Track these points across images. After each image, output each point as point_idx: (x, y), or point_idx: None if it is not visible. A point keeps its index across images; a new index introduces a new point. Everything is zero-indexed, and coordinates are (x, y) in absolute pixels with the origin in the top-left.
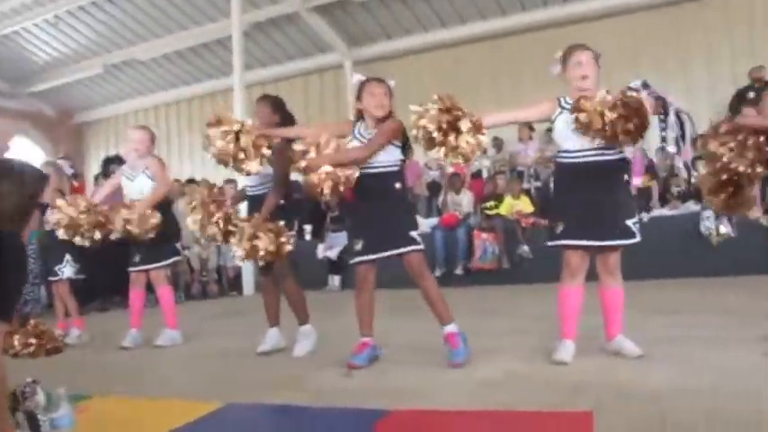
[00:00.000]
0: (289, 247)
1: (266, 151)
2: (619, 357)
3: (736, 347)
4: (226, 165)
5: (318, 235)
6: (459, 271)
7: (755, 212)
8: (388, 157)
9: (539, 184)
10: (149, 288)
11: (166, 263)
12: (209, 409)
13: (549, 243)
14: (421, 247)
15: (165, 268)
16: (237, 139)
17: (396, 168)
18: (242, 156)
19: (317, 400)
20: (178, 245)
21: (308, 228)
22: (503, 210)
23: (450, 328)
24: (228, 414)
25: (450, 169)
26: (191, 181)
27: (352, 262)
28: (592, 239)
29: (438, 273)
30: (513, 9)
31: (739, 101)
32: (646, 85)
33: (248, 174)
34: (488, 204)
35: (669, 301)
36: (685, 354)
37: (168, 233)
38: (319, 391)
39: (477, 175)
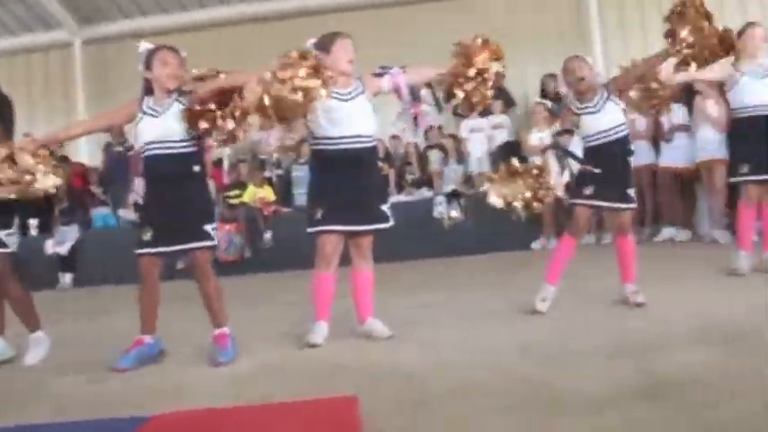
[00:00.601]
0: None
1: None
2: (371, 339)
3: (482, 321)
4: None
5: (46, 229)
6: None
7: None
8: (180, 135)
9: (280, 172)
10: None
11: None
12: None
13: (309, 230)
14: (214, 243)
15: None
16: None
17: (193, 148)
18: (29, 178)
19: (60, 413)
20: None
21: (33, 222)
22: (246, 198)
23: (224, 329)
24: None
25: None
26: None
27: (137, 252)
28: (351, 224)
29: (180, 265)
30: None
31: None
32: (385, 68)
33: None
34: (231, 193)
35: (412, 281)
36: (434, 330)
37: None
38: (61, 403)
39: (218, 163)
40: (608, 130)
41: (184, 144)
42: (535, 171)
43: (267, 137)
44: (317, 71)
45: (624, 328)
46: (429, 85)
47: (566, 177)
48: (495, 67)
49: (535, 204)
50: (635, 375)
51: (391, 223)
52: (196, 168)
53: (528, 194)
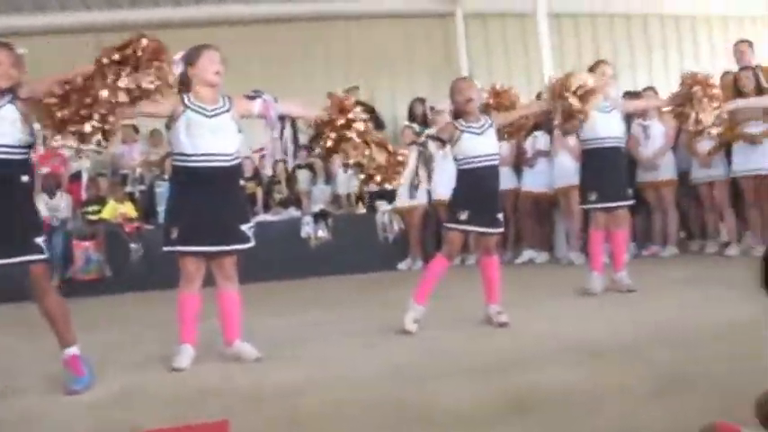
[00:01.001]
0: None
1: None
2: (240, 362)
3: (352, 341)
4: None
5: None
6: (54, 282)
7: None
8: (11, 140)
9: (143, 187)
10: None
11: None
12: None
13: (165, 249)
14: (45, 256)
15: None
16: None
17: (23, 156)
18: None
19: None
20: None
21: None
22: (106, 214)
23: (73, 350)
24: None
25: (45, 169)
26: None
27: None
28: (207, 245)
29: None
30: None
31: None
32: (258, 92)
33: None
34: (90, 209)
35: (280, 301)
36: (304, 350)
37: None
38: None
39: (76, 176)
40: (486, 156)
41: (14, 150)
42: (400, 157)
43: (130, 150)
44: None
45: (490, 348)
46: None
47: (421, 178)
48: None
49: (378, 179)
50: (501, 393)
51: (251, 244)
52: (24, 178)
53: (379, 166)
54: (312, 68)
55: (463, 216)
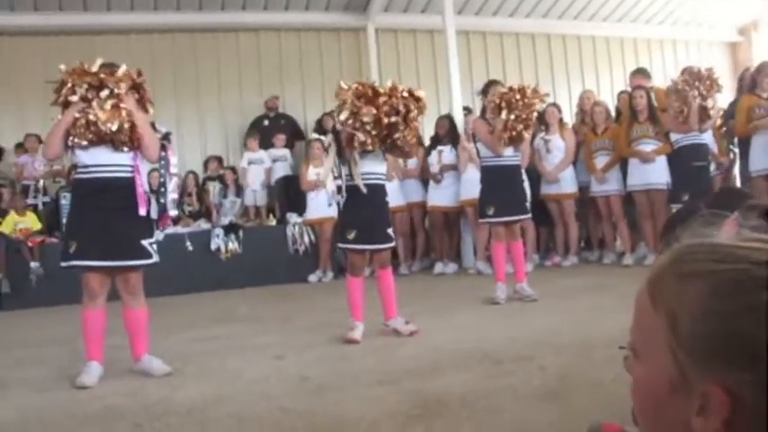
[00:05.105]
0: None
1: None
2: (148, 377)
3: (259, 353)
4: None
5: None
6: None
7: None
8: None
9: (47, 199)
10: None
11: None
12: None
13: (63, 264)
14: None
15: None
16: None
17: None
18: None
19: None
20: None
21: None
22: (5, 227)
23: None
24: None
25: None
26: None
27: None
28: (106, 260)
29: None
30: None
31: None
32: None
33: None
34: None
35: (189, 315)
36: (212, 364)
37: None
38: None
39: None
40: (379, 174)
41: None
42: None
43: (33, 161)
44: None
45: (395, 357)
46: None
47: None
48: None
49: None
50: (407, 400)
51: (155, 260)
52: None
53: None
54: (227, 78)
55: (351, 235)
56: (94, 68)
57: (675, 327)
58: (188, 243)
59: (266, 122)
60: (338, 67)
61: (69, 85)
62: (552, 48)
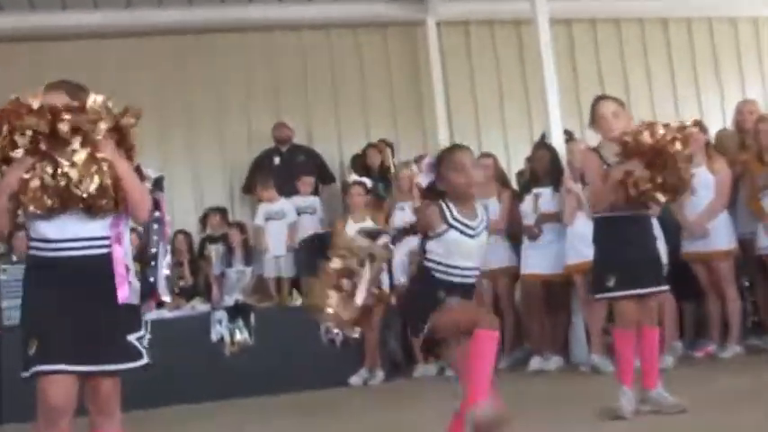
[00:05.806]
0: None
1: None
2: None
3: None
4: None
5: None
6: None
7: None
8: None
9: None
10: None
11: None
12: None
13: (23, 374)
14: None
15: None
16: None
17: None
18: None
19: None
20: None
21: None
22: None
23: None
24: None
25: None
26: None
27: None
28: (82, 363)
29: None
30: None
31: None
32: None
33: None
34: None
35: None
36: None
37: None
38: None
39: None
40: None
41: None
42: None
43: None
44: None
45: None
46: None
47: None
48: None
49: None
50: None
51: (145, 360)
52: None
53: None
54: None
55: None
56: (37, 102)
57: None
58: (178, 333)
59: (277, 160)
60: (386, 77)
61: (5, 133)
62: (693, 36)
